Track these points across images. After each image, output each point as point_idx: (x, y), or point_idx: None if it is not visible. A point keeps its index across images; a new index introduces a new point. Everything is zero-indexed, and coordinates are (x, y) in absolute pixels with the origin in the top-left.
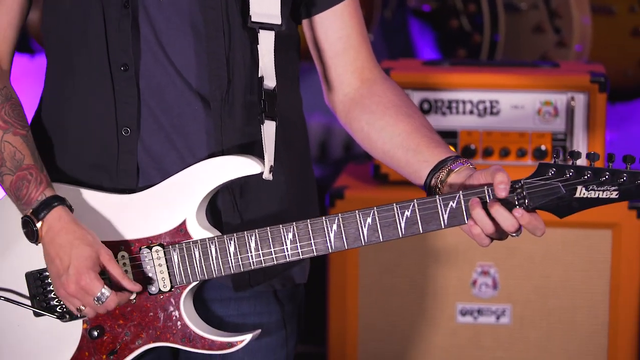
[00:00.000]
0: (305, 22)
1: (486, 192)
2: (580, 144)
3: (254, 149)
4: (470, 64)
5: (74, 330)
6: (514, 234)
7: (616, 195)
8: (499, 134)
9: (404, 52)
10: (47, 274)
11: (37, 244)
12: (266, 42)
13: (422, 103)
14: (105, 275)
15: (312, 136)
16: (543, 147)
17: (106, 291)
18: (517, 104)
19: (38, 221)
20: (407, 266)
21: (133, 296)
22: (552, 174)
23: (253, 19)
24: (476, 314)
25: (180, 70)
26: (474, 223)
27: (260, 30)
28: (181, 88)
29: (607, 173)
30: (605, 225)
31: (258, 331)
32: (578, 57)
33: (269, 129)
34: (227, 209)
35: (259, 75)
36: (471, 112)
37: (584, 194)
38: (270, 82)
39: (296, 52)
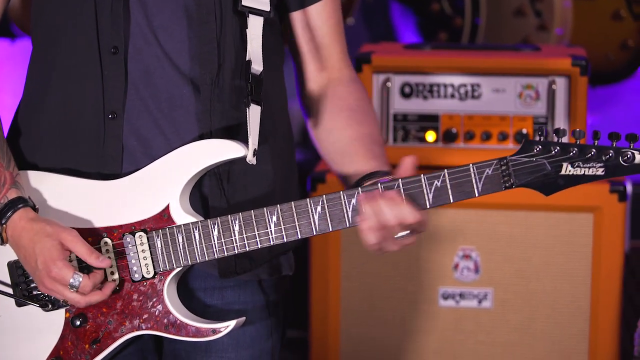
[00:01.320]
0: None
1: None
2: (561, 127)
3: (239, 133)
4: (452, 48)
5: (57, 319)
6: (399, 235)
7: (602, 171)
8: (480, 117)
9: (385, 36)
10: None
11: (4, 245)
12: (255, 26)
13: (404, 87)
14: (82, 263)
15: (294, 120)
16: (524, 131)
17: (78, 276)
18: (498, 87)
19: (1, 225)
20: None
21: (115, 276)
22: (537, 150)
23: (243, 3)
24: (458, 298)
25: (169, 54)
26: (364, 219)
27: (250, 15)
28: (170, 72)
29: (593, 150)
30: (586, 209)
31: (242, 318)
32: (559, 41)
33: (254, 113)
34: (214, 194)
35: (247, 59)
36: (452, 96)
37: (569, 170)
38: (257, 66)
39: (280, 41)
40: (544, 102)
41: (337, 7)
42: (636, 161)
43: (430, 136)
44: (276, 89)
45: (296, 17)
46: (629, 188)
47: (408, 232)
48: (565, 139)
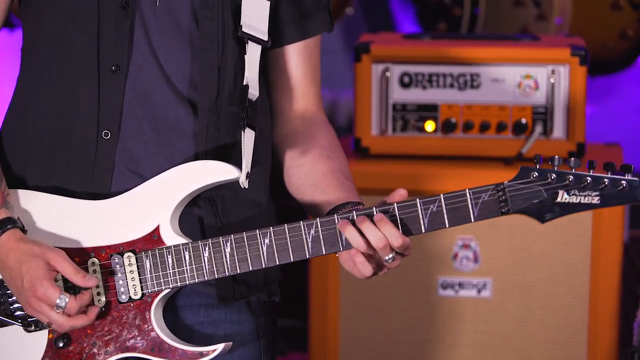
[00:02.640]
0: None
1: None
2: (560, 117)
3: (231, 158)
4: (451, 38)
5: (39, 340)
6: (387, 258)
7: (597, 200)
8: (479, 107)
9: (384, 26)
10: None
11: None
12: (253, 53)
13: (403, 77)
14: (68, 284)
15: None
16: (523, 121)
17: (64, 297)
18: (497, 77)
19: None
20: None
21: (102, 304)
22: (534, 177)
23: (243, 29)
24: (457, 288)
25: (169, 76)
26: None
27: (248, 42)
28: (168, 93)
29: (589, 178)
30: None
31: (230, 343)
32: (558, 31)
33: (248, 137)
34: (208, 218)
35: (244, 84)
36: (451, 86)
37: (565, 198)
38: (254, 91)
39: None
40: (543, 92)
41: (318, 48)
42: (629, 191)
43: (430, 126)
44: (265, 119)
45: (277, 52)
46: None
47: (393, 255)
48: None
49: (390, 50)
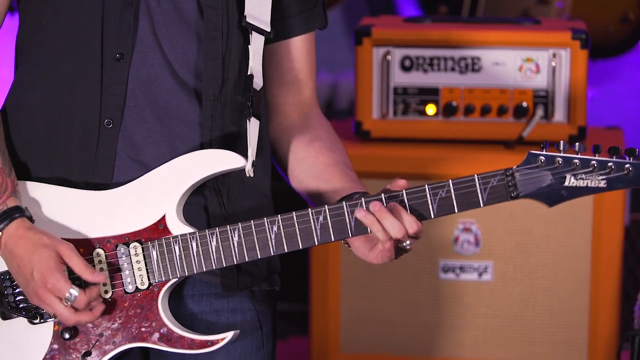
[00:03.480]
0: None
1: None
2: (561, 101)
3: (235, 147)
4: (452, 21)
5: (45, 331)
6: (405, 244)
7: (604, 184)
8: (480, 90)
9: (385, 9)
10: None
11: None
12: (256, 43)
13: (404, 60)
14: (73, 275)
15: None
16: (524, 104)
17: (74, 291)
18: (498, 60)
19: None
20: None
21: (108, 294)
22: (541, 162)
23: (247, 20)
24: (458, 271)
25: (173, 65)
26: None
27: (252, 32)
28: (172, 82)
29: (595, 162)
30: None
31: (237, 331)
32: (559, 14)
33: (253, 126)
34: (213, 206)
35: (249, 73)
36: (453, 69)
37: (572, 182)
38: (258, 80)
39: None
40: (544, 76)
41: (314, 44)
42: (635, 174)
43: (431, 109)
44: (265, 110)
45: (275, 47)
46: None
47: (409, 242)
48: (586, 153)
49: (392, 34)
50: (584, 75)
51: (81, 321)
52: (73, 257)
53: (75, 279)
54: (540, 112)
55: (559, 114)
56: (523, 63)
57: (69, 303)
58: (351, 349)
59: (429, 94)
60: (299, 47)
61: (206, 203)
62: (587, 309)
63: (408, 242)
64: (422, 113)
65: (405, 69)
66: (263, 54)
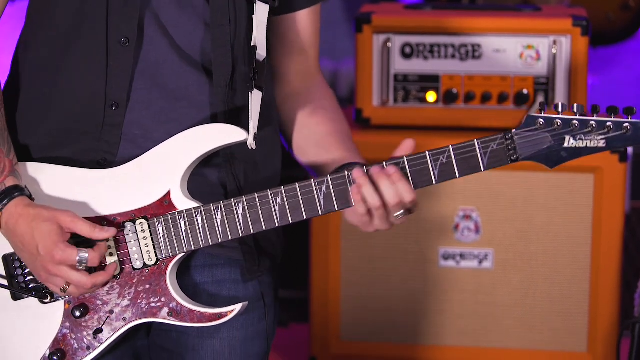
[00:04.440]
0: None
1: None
2: (562, 88)
3: (239, 119)
4: (452, 8)
5: (56, 310)
6: (397, 214)
7: (603, 143)
8: (481, 78)
9: None
10: None
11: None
12: (261, 14)
13: (404, 47)
14: (77, 239)
15: None
16: (525, 91)
17: (83, 253)
18: (499, 48)
19: None
20: None
21: (117, 270)
22: (540, 124)
23: None
24: (458, 258)
25: (182, 48)
26: (360, 199)
27: (257, 2)
28: (180, 64)
29: (593, 122)
30: (587, 169)
31: (246, 303)
32: (560, 1)
33: (256, 98)
34: (229, 180)
35: (252, 44)
36: (453, 56)
37: (572, 143)
38: (262, 51)
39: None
40: (544, 63)
41: (319, 15)
42: (633, 132)
43: (431, 97)
44: (270, 81)
45: (281, 19)
46: (630, 149)
47: (403, 211)
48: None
49: (392, 21)
50: (585, 62)
51: (97, 282)
52: (77, 223)
53: (81, 243)
54: (540, 99)
55: (560, 101)
56: (524, 50)
57: (82, 266)
58: (351, 337)
59: (430, 81)
60: (304, 19)
61: (223, 182)
62: (587, 297)
63: (401, 212)
64: (423, 100)
65: (406, 56)
66: (269, 25)
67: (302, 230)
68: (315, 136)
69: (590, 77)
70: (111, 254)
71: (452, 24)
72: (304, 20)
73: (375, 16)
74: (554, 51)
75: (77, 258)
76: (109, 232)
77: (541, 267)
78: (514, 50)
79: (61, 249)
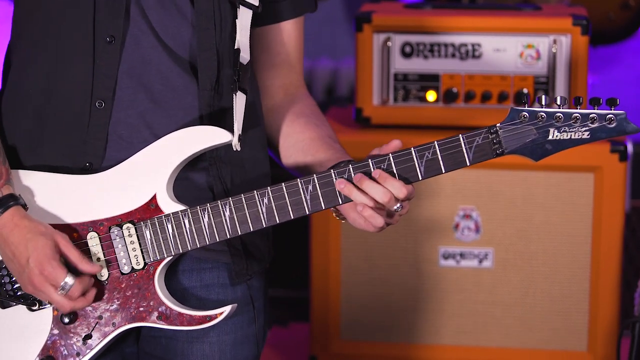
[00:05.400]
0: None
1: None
2: (562, 87)
3: (225, 122)
4: (452, 7)
5: (44, 317)
6: (395, 208)
7: (587, 135)
8: (480, 77)
9: None
10: None
11: None
12: (244, 18)
13: (404, 46)
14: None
15: None
16: (525, 91)
17: (70, 279)
18: (499, 47)
19: None
20: None
21: (105, 277)
22: (524, 117)
23: None
24: (459, 258)
25: (170, 47)
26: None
27: (240, 6)
28: (168, 65)
29: (577, 114)
30: (587, 169)
31: (235, 305)
32: (560, 0)
33: (240, 101)
34: (216, 184)
35: (236, 47)
36: (453, 56)
37: (556, 135)
38: (245, 54)
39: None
40: (544, 62)
41: (303, 27)
42: (617, 124)
43: (431, 96)
44: (254, 83)
45: (265, 30)
46: (630, 148)
47: (400, 204)
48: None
49: (392, 20)
50: (585, 61)
51: (76, 307)
52: (70, 248)
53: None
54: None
55: (543, 94)
56: (524, 49)
57: (63, 292)
58: (351, 336)
59: (430, 80)
60: (289, 31)
61: (210, 185)
62: (587, 296)
63: (398, 205)
64: (423, 99)
65: (406, 55)
66: (253, 36)
67: (303, 229)
68: (300, 143)
69: (591, 76)
70: (101, 267)
71: (452, 23)
72: (289, 31)
73: (375, 15)
74: (554, 50)
75: (63, 282)
76: (95, 268)
77: (541, 266)
78: (514, 49)
79: (52, 266)
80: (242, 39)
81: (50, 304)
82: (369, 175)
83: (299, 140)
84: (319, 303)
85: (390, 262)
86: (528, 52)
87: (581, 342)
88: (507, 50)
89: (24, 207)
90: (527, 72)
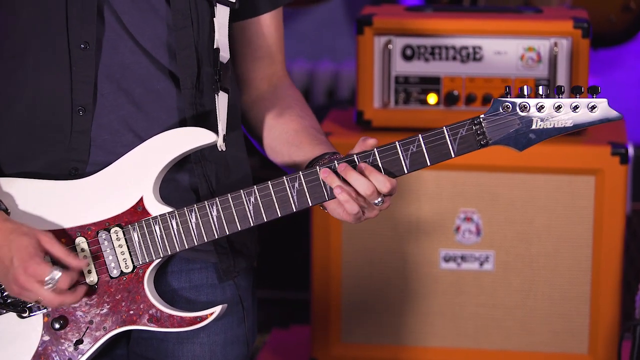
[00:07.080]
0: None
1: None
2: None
3: (208, 122)
4: (453, 10)
5: (35, 324)
6: (376, 202)
7: (570, 123)
8: (482, 80)
9: None
10: None
11: None
12: (221, 16)
13: (405, 49)
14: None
15: (296, 83)
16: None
17: (57, 272)
18: (500, 50)
19: None
20: (390, 212)
21: (94, 281)
22: (507, 108)
23: None
24: (459, 260)
25: (148, 51)
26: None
27: (217, 4)
28: (146, 67)
29: (559, 103)
30: (588, 171)
31: (225, 305)
32: (561, 3)
33: (222, 100)
34: (201, 185)
35: (215, 47)
36: (454, 58)
37: (539, 125)
38: (225, 53)
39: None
40: (545, 65)
41: (282, 17)
42: (600, 111)
43: (432, 99)
44: (234, 84)
45: (245, 24)
46: (631, 151)
47: (382, 199)
48: (565, 96)
49: (393, 23)
50: (586, 64)
51: (65, 302)
52: (54, 245)
53: (55, 264)
54: None
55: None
56: (524, 52)
57: (50, 286)
58: (352, 339)
59: (431, 83)
60: (268, 23)
61: (195, 187)
62: (588, 299)
63: (379, 199)
64: (424, 102)
65: (407, 58)
66: (233, 31)
67: (303, 231)
68: (285, 135)
69: (592, 79)
70: (90, 271)
71: (453, 25)
72: (268, 24)
73: (376, 18)
74: (555, 53)
75: (49, 276)
76: (82, 263)
77: (542, 269)
78: (515, 52)
79: (36, 262)
80: (221, 37)
81: (39, 306)
82: (354, 167)
83: (284, 132)
84: (319, 305)
85: (391, 265)
86: (529, 55)
87: (582, 344)
88: (508, 53)
89: (6, 211)
90: (528, 74)
